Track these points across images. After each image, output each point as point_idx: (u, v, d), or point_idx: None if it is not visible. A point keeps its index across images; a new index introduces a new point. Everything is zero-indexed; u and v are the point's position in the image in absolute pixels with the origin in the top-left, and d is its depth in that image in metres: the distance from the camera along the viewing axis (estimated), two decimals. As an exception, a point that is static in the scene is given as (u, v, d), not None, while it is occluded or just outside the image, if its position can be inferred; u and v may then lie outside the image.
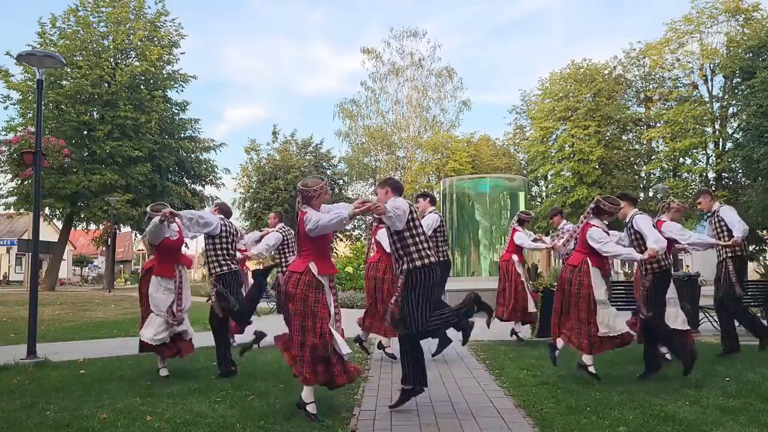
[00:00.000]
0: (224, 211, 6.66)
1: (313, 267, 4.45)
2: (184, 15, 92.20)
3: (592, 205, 5.89)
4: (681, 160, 29.51)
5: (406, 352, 4.74)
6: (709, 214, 7.12)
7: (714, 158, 29.14)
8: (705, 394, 5.05)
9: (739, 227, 6.84)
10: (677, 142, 27.85)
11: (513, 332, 8.57)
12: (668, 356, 6.67)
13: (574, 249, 6.15)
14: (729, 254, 6.97)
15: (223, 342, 6.16)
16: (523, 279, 8.46)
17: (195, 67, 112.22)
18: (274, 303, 12.98)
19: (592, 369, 5.57)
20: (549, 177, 33.09)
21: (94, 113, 30.11)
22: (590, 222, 5.81)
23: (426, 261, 4.60)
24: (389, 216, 4.55)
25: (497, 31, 77.69)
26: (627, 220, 5.93)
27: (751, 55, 25.77)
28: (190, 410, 4.59)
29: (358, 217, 4.75)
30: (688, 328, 6.75)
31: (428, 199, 7.41)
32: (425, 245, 4.66)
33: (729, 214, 6.93)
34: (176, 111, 33.72)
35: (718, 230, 7.00)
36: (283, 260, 8.47)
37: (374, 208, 4.39)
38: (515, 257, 8.52)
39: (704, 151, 29.71)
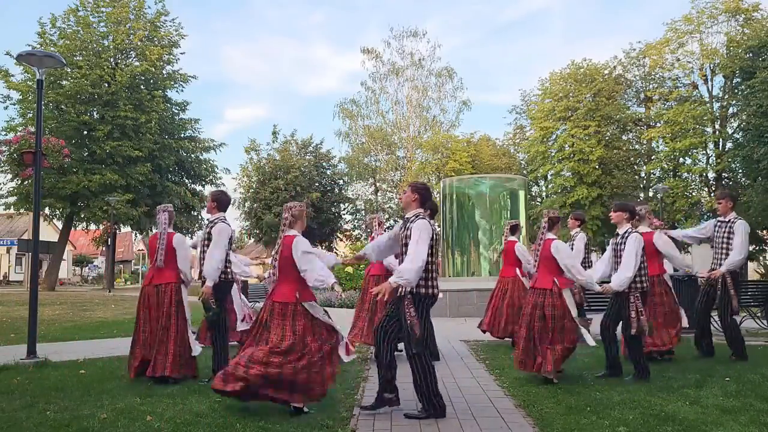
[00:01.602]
0: (222, 202, 5.68)
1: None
2: (184, 15, 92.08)
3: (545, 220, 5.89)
4: (681, 160, 29.52)
5: (418, 373, 4.51)
6: (723, 219, 6.76)
7: (714, 158, 29.15)
8: (705, 394, 5.06)
9: (732, 257, 6.51)
10: (677, 142, 27.85)
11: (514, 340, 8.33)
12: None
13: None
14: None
15: (221, 350, 5.76)
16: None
17: (195, 67, 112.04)
18: None
19: (555, 379, 5.52)
20: (549, 177, 33.08)
21: (94, 113, 30.11)
22: (550, 237, 5.76)
23: (430, 291, 4.55)
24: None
25: (497, 31, 77.70)
26: (623, 233, 5.76)
27: (751, 55, 25.79)
28: (190, 410, 4.60)
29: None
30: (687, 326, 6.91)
31: None
32: (435, 275, 4.59)
33: (739, 234, 6.54)
34: (176, 111, 33.74)
35: (723, 240, 6.68)
36: None
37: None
38: (518, 272, 8.17)
39: (704, 151, 29.72)
